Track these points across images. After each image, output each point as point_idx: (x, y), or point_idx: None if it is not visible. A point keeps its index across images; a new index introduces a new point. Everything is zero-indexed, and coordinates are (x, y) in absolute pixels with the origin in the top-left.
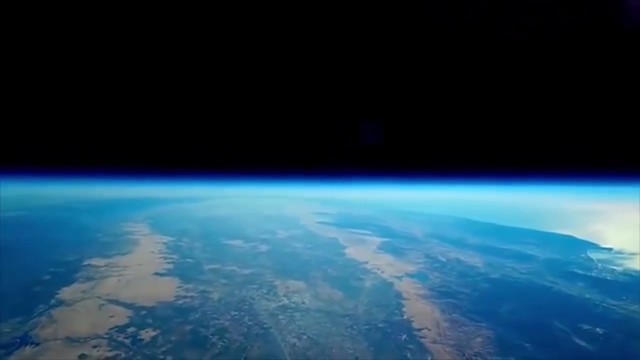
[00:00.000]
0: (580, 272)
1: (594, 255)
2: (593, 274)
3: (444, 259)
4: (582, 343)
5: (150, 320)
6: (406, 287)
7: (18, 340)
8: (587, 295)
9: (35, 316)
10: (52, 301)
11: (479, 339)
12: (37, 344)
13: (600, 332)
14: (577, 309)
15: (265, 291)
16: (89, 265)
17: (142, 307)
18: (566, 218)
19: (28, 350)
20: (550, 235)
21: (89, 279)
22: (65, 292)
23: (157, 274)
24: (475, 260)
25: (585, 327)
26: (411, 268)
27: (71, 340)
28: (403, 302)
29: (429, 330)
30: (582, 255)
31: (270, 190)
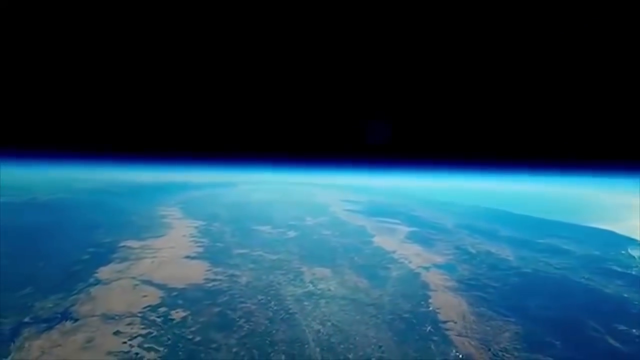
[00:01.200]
0: (619, 269)
1: (635, 252)
2: (633, 272)
3: (474, 251)
4: (617, 344)
5: (180, 301)
6: (433, 278)
7: (59, 316)
8: (625, 295)
9: (75, 293)
10: (91, 280)
11: (506, 334)
12: (76, 320)
13: (637, 333)
14: (613, 308)
15: (291, 277)
16: (125, 246)
17: (174, 289)
18: (606, 212)
19: (68, 325)
20: (588, 230)
21: (124, 259)
22: (103, 272)
23: (188, 257)
24: (507, 253)
25: (621, 327)
26: (439, 259)
27: (107, 317)
28: (429, 293)
29: (455, 323)
30: (622, 252)
31: (300, 177)
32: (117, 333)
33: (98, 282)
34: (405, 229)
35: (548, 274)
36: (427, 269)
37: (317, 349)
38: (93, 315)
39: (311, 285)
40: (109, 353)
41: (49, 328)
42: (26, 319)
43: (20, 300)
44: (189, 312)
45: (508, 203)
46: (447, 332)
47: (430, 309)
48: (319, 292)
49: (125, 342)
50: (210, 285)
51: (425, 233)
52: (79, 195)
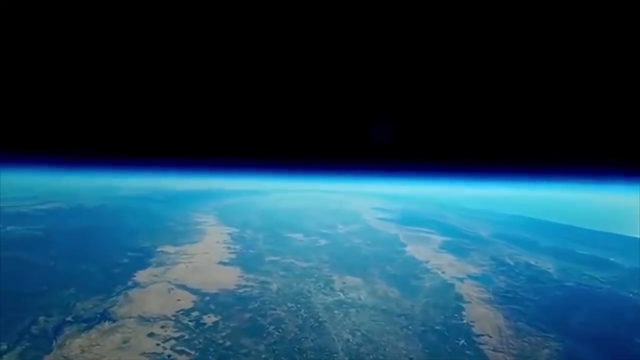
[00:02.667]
0: None
1: None
2: None
3: (511, 262)
4: None
5: (212, 306)
6: (468, 289)
7: (98, 316)
8: None
9: (114, 295)
10: (129, 282)
11: (545, 351)
12: (114, 321)
13: None
14: None
15: (322, 285)
16: (161, 251)
17: (206, 293)
18: None
19: (107, 325)
20: (637, 241)
21: (160, 264)
22: (141, 275)
23: (221, 262)
24: (548, 265)
25: None
26: (474, 270)
27: (143, 319)
28: (463, 305)
29: (490, 337)
30: None
31: (333, 185)
32: (151, 335)
33: (136, 285)
34: (438, 238)
35: (592, 288)
36: (461, 279)
37: (346, 359)
38: (130, 317)
39: (341, 294)
40: (143, 354)
41: (89, 327)
42: (68, 318)
43: (64, 300)
44: (220, 317)
45: (549, 212)
46: (482, 347)
47: (464, 321)
48: (349, 301)
49: (158, 344)
50: (241, 291)
51: (459, 243)
52: (122, 202)
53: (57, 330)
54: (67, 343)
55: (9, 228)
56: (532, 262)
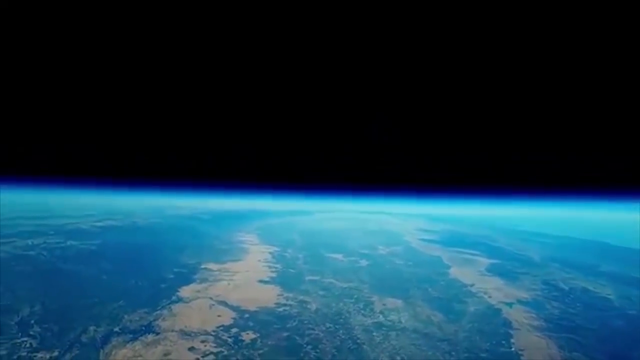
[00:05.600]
0: None
1: None
2: None
3: (566, 287)
4: None
5: (251, 324)
6: (517, 315)
7: (143, 328)
8: None
9: (159, 309)
10: (173, 297)
11: None
12: (158, 333)
13: None
14: None
15: (361, 306)
16: (205, 268)
17: (246, 311)
18: None
19: (150, 337)
20: None
21: (204, 280)
22: (184, 291)
23: (261, 281)
24: (608, 291)
25: None
26: (524, 295)
27: (184, 334)
28: (512, 332)
29: None
30: None
31: (376, 206)
32: (191, 349)
33: (179, 299)
34: (485, 261)
35: None
36: (509, 304)
37: None
38: (172, 330)
39: (381, 316)
40: None
41: (134, 339)
42: (116, 329)
43: (113, 312)
44: (258, 335)
45: (610, 234)
46: None
47: (512, 349)
48: (389, 323)
49: (198, 359)
50: (280, 309)
51: (508, 265)
52: (172, 220)
53: (105, 340)
54: (113, 352)
55: (68, 242)
56: (590, 288)
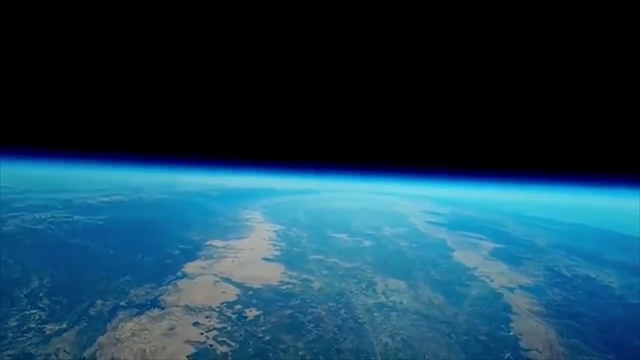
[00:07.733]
0: None
1: None
2: None
3: (568, 274)
4: None
5: (255, 301)
6: (518, 300)
7: (149, 303)
8: None
9: (165, 284)
10: (179, 273)
11: None
12: (163, 308)
13: None
14: None
15: (364, 286)
16: (210, 245)
17: (250, 288)
18: None
19: (156, 312)
20: None
21: (209, 257)
22: (190, 267)
23: (266, 258)
24: (611, 279)
25: None
26: (527, 280)
27: (189, 309)
28: (512, 316)
29: (540, 352)
30: None
31: (384, 187)
32: (196, 324)
33: (184, 276)
34: (490, 245)
35: None
36: (511, 289)
37: None
38: (177, 306)
39: (383, 297)
40: (187, 342)
41: (140, 313)
42: (122, 303)
43: (120, 286)
44: (261, 312)
45: (624, 224)
46: None
47: (511, 333)
48: (390, 304)
49: (202, 334)
50: (284, 287)
51: (512, 250)
52: (179, 196)
53: (112, 313)
54: (119, 326)
55: (76, 217)
56: (593, 276)
